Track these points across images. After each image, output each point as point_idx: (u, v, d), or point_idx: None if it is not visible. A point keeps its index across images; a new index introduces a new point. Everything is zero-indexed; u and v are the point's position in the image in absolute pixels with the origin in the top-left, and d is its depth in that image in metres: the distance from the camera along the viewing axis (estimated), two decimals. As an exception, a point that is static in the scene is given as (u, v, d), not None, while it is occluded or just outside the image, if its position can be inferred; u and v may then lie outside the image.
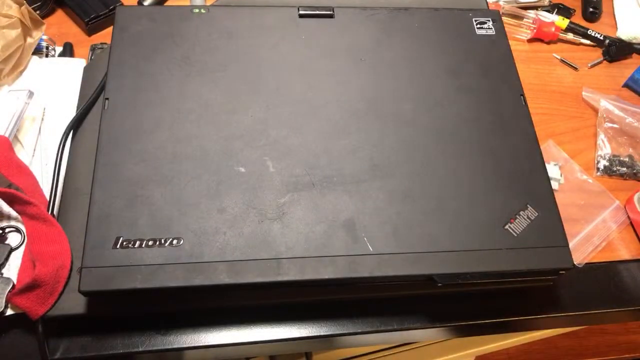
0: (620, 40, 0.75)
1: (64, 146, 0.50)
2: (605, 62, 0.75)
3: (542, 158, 0.50)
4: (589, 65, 0.74)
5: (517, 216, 0.46)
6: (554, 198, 0.48)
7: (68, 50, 0.62)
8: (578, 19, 0.79)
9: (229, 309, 0.47)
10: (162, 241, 0.42)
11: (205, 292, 0.42)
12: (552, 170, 0.59)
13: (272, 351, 0.56)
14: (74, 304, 0.43)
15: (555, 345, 1.23)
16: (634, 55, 0.76)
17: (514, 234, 0.45)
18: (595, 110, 0.68)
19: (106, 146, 0.45)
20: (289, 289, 0.45)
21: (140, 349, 0.45)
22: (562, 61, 0.73)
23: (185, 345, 0.45)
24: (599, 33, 0.75)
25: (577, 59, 0.74)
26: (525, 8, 0.76)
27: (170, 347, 0.45)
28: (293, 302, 0.48)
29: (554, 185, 0.59)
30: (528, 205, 0.47)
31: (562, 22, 0.75)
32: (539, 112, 0.67)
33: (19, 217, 0.47)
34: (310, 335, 0.47)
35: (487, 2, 0.63)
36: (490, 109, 0.52)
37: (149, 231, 0.42)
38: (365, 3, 0.59)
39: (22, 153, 0.52)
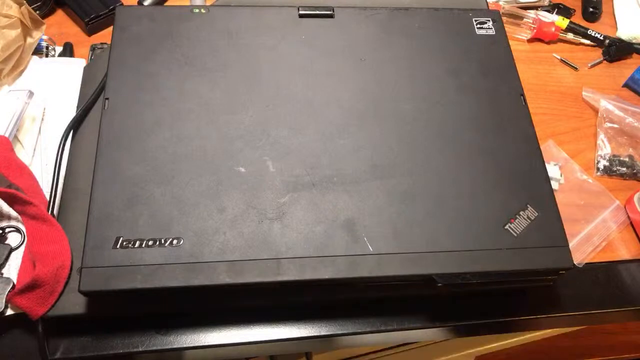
0: (620, 40, 0.75)
1: (64, 146, 0.50)
2: (605, 62, 0.75)
3: (542, 158, 0.50)
4: (589, 65, 0.74)
5: (517, 216, 0.46)
6: (554, 198, 0.48)
7: (68, 50, 0.62)
8: (578, 19, 0.79)
9: (229, 309, 0.47)
10: (162, 241, 0.42)
11: (205, 292, 0.42)
12: (552, 170, 0.59)
13: (272, 351, 0.56)
14: (74, 304, 0.43)
15: (555, 345, 1.23)
16: (634, 55, 0.76)
17: (514, 234, 0.45)
18: (595, 110, 0.68)
19: (106, 146, 0.45)
20: (289, 289, 0.45)
21: (140, 349, 0.45)
22: (562, 61, 0.73)
23: (185, 345, 0.45)
24: (599, 33, 0.75)
25: (577, 59, 0.74)
26: (525, 8, 0.76)
27: (170, 347, 0.45)
28: (293, 302, 0.48)
29: (554, 185, 0.59)
30: (528, 205, 0.47)
31: (562, 22, 0.75)
32: (539, 112, 0.67)
33: (19, 217, 0.47)
34: (310, 335, 0.47)
35: (487, 2, 0.63)
36: (490, 109, 0.52)
37: (149, 231, 0.42)
38: (366, 3, 0.59)
39: (22, 153, 0.52)
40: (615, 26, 0.79)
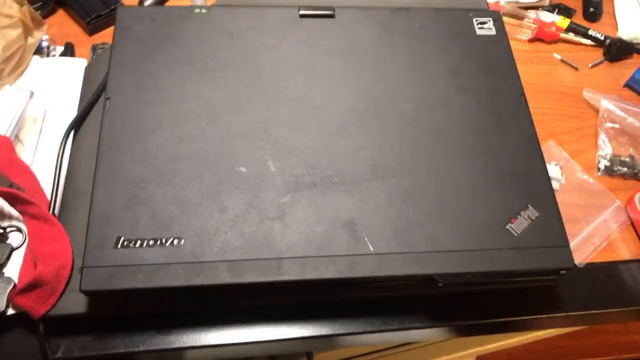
0: (621, 41, 0.75)
1: (65, 146, 0.50)
2: (605, 62, 0.75)
3: (542, 158, 0.50)
4: (590, 65, 0.74)
5: (518, 216, 0.46)
6: (555, 198, 0.48)
7: (69, 50, 0.63)
8: (579, 19, 0.79)
9: (229, 309, 0.47)
10: (163, 241, 0.42)
11: (206, 291, 0.42)
12: (553, 170, 0.59)
13: (272, 351, 0.56)
14: (75, 303, 0.43)
15: (556, 345, 1.23)
16: (635, 55, 0.76)
17: (515, 233, 0.45)
18: (596, 110, 0.68)
19: (107, 146, 0.45)
20: (289, 288, 0.45)
21: (141, 349, 0.45)
22: (563, 61, 0.73)
23: (186, 345, 0.45)
24: (599, 33, 0.75)
25: (577, 59, 0.74)
26: (526, 8, 0.76)
27: (171, 346, 0.45)
28: (293, 302, 0.48)
29: (555, 185, 0.59)
30: (529, 205, 0.47)
31: (563, 22, 0.75)
32: (540, 112, 0.67)
33: (20, 216, 0.47)
34: (311, 335, 0.47)
35: (487, 3, 0.63)
36: (491, 109, 0.52)
37: (150, 231, 0.42)
38: (366, 3, 0.59)
39: (24, 153, 0.52)
40: (616, 26, 0.79)
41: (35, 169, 0.51)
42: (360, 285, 0.46)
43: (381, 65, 0.54)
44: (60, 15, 0.67)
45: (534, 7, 0.77)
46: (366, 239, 0.44)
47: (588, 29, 0.75)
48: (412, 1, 0.61)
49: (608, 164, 0.63)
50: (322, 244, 0.43)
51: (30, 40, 0.59)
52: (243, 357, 0.58)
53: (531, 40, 0.75)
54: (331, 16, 0.56)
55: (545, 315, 0.51)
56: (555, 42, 0.75)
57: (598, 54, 0.75)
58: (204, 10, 0.55)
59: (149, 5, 0.68)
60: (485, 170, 0.48)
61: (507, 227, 0.46)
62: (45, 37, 0.62)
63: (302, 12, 0.56)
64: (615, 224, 0.58)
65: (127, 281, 0.40)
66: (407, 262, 0.43)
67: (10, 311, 0.44)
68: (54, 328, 0.44)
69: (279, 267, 0.42)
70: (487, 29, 0.58)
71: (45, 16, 0.66)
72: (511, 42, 0.58)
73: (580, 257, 0.55)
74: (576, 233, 0.56)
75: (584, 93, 0.69)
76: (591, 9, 0.78)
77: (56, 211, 0.48)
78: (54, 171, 0.49)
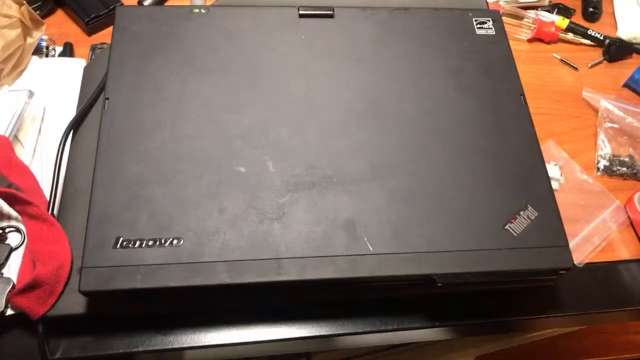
0: (620, 40, 0.75)
1: (64, 146, 0.50)
2: (605, 62, 0.75)
3: (542, 158, 0.50)
4: (589, 65, 0.74)
5: (517, 216, 0.46)
6: (554, 198, 0.48)
7: (68, 50, 0.62)
8: (578, 19, 0.79)
9: (228, 309, 0.47)
10: (162, 241, 0.42)
11: (205, 292, 0.42)
12: (552, 170, 0.59)
13: (272, 351, 0.56)
14: (74, 303, 0.43)
15: (555, 345, 1.23)
16: (634, 55, 0.76)
17: (514, 233, 0.45)
18: (596, 110, 0.68)
19: (106, 146, 0.45)
20: (289, 289, 0.45)
21: (140, 349, 0.45)
22: (562, 61, 0.73)
23: (185, 345, 0.45)
24: (599, 33, 0.75)
25: (577, 59, 0.74)
26: (526, 8, 0.76)
27: (170, 347, 0.45)
28: (293, 302, 0.48)
29: (554, 185, 0.59)
30: (528, 205, 0.47)
31: (562, 22, 0.75)
32: (539, 112, 0.67)
33: (19, 217, 0.47)
34: (310, 335, 0.47)
35: (487, 2, 0.63)
36: (491, 109, 0.52)
37: (149, 231, 0.42)
38: (366, 3, 0.59)
39: (23, 153, 0.52)
40: (615, 26, 0.79)
41: (34, 169, 0.50)
42: (359, 285, 0.46)
43: (381, 65, 0.54)
44: (59, 16, 0.67)
45: (534, 7, 0.77)
46: (365, 239, 0.43)
47: (587, 29, 0.75)
48: (411, 1, 0.61)
49: (607, 164, 0.63)
50: (322, 244, 0.43)
51: (29, 40, 0.58)
52: (242, 357, 0.58)
53: (530, 40, 0.75)
54: (331, 16, 0.56)
55: (545, 315, 0.51)
56: (555, 42, 0.75)
57: (597, 53, 0.75)
58: (203, 10, 0.54)
59: (149, 5, 0.68)
60: (484, 170, 0.48)
61: (507, 227, 0.46)
62: (44, 37, 0.62)
63: (301, 12, 0.56)
64: (614, 224, 0.58)
65: (126, 281, 0.40)
66: (406, 262, 0.43)
67: (9, 312, 0.44)
68: (53, 328, 0.44)
69: (278, 268, 0.42)
70: (486, 28, 0.58)
71: (44, 16, 0.66)
72: (511, 42, 0.58)
73: (580, 257, 0.55)
74: (575, 233, 0.56)
75: (584, 93, 0.69)
76: (590, 9, 0.78)
77: (55, 211, 0.47)
78: (53, 171, 0.49)
